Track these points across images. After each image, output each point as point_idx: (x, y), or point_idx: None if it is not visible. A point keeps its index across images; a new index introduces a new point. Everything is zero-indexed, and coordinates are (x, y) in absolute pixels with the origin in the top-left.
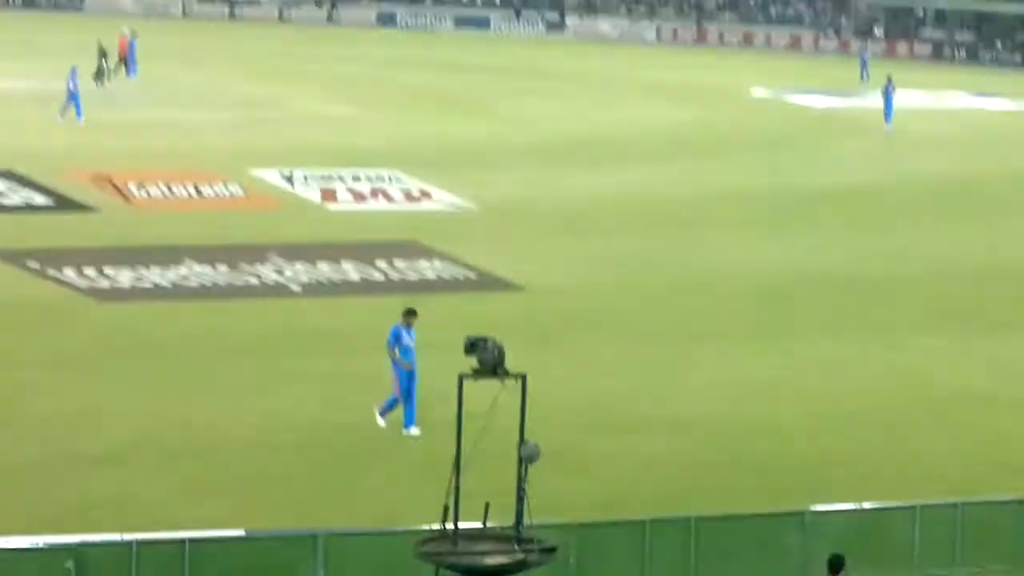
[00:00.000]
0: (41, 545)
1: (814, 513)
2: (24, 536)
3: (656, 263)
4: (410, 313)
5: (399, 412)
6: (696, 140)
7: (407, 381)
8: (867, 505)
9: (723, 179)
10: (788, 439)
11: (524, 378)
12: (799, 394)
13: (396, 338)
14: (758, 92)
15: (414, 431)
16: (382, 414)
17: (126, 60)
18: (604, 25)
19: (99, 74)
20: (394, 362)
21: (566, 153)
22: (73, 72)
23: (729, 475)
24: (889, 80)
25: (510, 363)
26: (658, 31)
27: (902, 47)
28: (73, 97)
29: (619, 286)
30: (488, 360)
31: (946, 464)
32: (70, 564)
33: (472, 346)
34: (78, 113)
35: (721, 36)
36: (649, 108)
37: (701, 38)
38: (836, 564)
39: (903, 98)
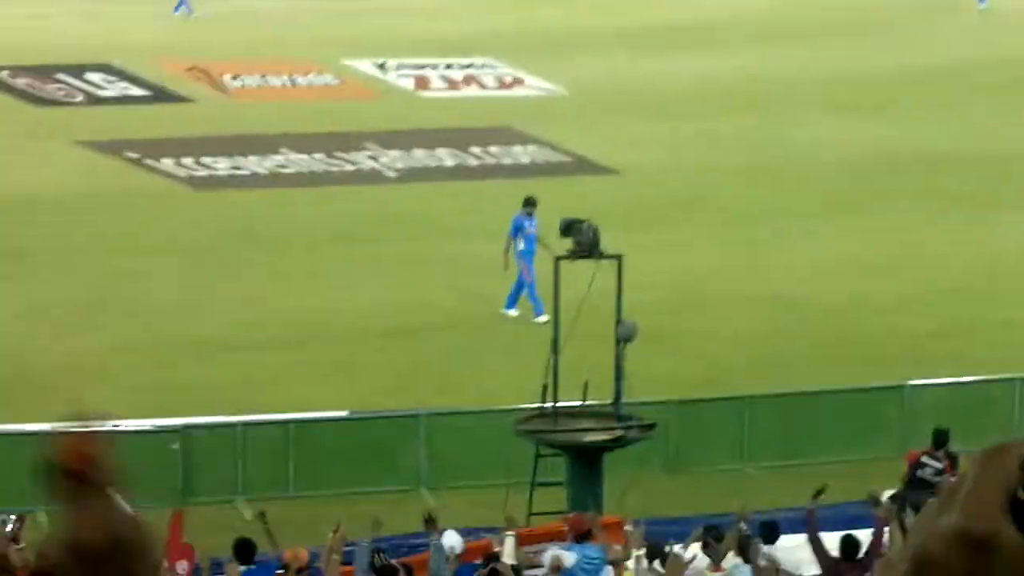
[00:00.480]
0: (148, 427)
1: (913, 387)
2: (132, 419)
3: (748, 144)
4: (530, 202)
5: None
6: (787, 22)
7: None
8: (966, 379)
9: (814, 61)
10: (883, 314)
11: (620, 259)
12: (892, 270)
13: (518, 228)
14: None
15: (543, 318)
16: (510, 305)
17: None
18: None
19: None
20: (519, 251)
21: (658, 38)
22: None
23: (825, 351)
24: None
25: (608, 245)
26: None
27: None
28: None
29: (712, 167)
30: (584, 241)
31: None
32: (176, 445)
33: (568, 228)
34: (187, 6)
35: None
36: None
37: None
38: (940, 438)
39: None
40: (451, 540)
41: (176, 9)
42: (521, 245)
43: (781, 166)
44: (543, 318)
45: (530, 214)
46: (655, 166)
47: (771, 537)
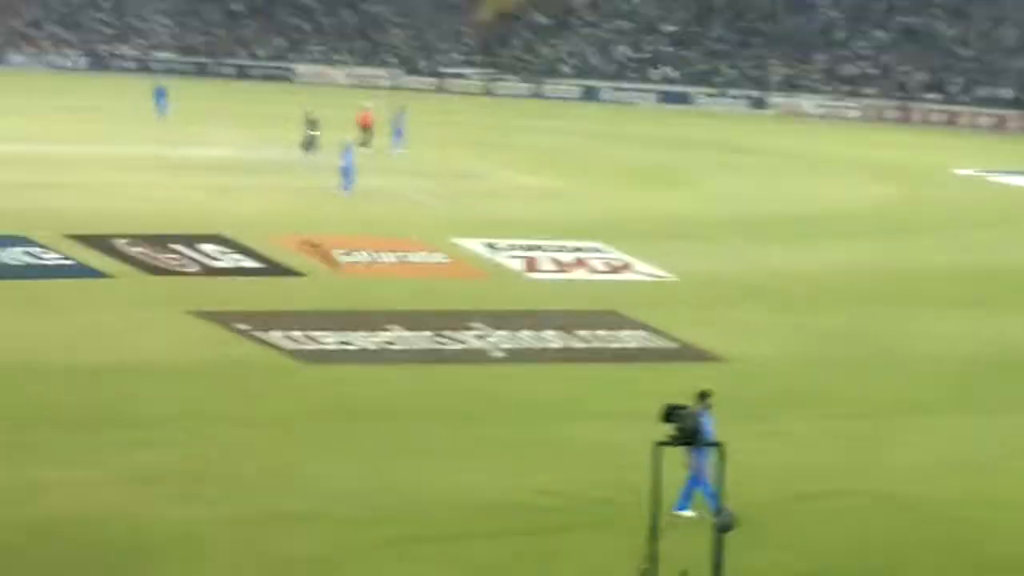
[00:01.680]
0: None
1: None
2: None
3: (858, 338)
4: (705, 395)
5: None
6: (898, 218)
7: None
8: None
9: (926, 256)
10: (998, 517)
11: (722, 447)
12: (1008, 472)
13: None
14: (962, 171)
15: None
16: (682, 507)
17: (369, 131)
18: (807, 103)
19: (307, 144)
20: (697, 449)
21: (768, 228)
22: (347, 148)
23: (936, 553)
24: None
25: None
26: (862, 109)
27: None
28: (345, 171)
29: (821, 360)
30: (685, 428)
31: None
32: None
33: (669, 414)
34: (346, 186)
35: (925, 115)
36: (852, 185)
37: (905, 117)
38: None
39: None
40: None
41: (344, 189)
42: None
43: (892, 361)
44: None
45: (707, 407)
46: (763, 356)
47: None
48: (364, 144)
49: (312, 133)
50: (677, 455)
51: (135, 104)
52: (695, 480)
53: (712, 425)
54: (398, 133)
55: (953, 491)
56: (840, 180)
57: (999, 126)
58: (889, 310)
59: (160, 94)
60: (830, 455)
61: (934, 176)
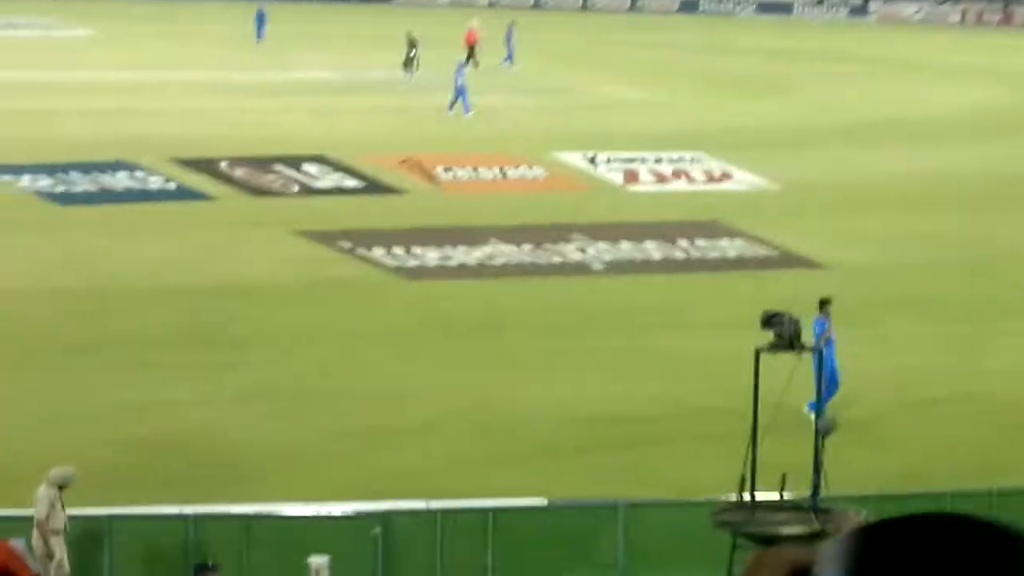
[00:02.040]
0: (351, 512)
1: None
2: (335, 503)
3: (959, 242)
4: (826, 303)
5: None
6: (1001, 121)
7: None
8: None
9: None
10: None
11: (821, 352)
12: None
13: (820, 331)
14: None
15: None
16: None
17: (473, 50)
18: (907, 8)
19: (407, 64)
20: (825, 355)
21: (869, 134)
22: (460, 68)
23: None
24: None
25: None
26: (963, 14)
27: None
28: (460, 92)
29: (922, 265)
30: (785, 334)
31: None
32: (377, 530)
33: (769, 320)
34: (465, 107)
35: None
36: (953, 90)
37: (1007, 20)
38: None
39: None
40: None
41: (451, 109)
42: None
43: (993, 265)
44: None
45: (828, 315)
46: (865, 262)
47: None
48: (470, 61)
49: (413, 52)
50: (779, 361)
51: (236, 28)
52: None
53: (832, 332)
54: (509, 50)
55: None
56: (941, 85)
57: None
58: (990, 214)
59: (260, 18)
60: (931, 358)
61: None
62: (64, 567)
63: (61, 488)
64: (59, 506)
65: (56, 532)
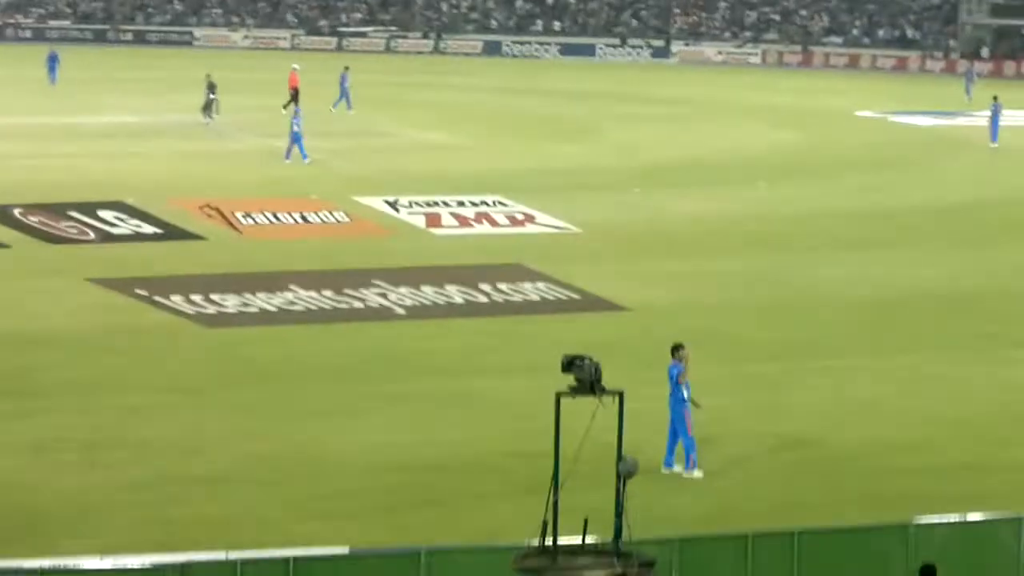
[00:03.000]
0: (148, 565)
1: (918, 526)
2: (132, 555)
3: (759, 283)
4: (677, 348)
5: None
6: (801, 162)
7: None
8: (972, 517)
9: (828, 199)
10: (893, 454)
11: (621, 395)
12: (904, 410)
13: (674, 377)
14: (863, 113)
15: (696, 473)
16: (691, 464)
17: (296, 94)
18: (709, 50)
19: (207, 107)
20: (680, 400)
21: (670, 176)
22: (295, 115)
23: (833, 490)
24: (995, 99)
25: (615, 382)
26: (763, 55)
27: (1009, 67)
28: (296, 138)
29: (722, 306)
30: (585, 377)
31: None
32: None
33: (569, 364)
34: (302, 153)
35: (827, 59)
36: (754, 131)
37: (806, 62)
38: (927, 574)
39: (1009, 118)
40: None
41: (287, 156)
42: (683, 394)
43: (792, 304)
44: (696, 473)
45: (681, 359)
46: (666, 303)
47: None
48: (292, 105)
49: (212, 96)
50: (578, 405)
51: (27, 71)
52: (674, 433)
53: (683, 377)
54: (344, 93)
55: (851, 432)
56: (741, 126)
57: (900, 67)
58: (790, 255)
59: (52, 60)
60: (732, 398)
61: (836, 119)
62: None
63: None
64: None
65: None
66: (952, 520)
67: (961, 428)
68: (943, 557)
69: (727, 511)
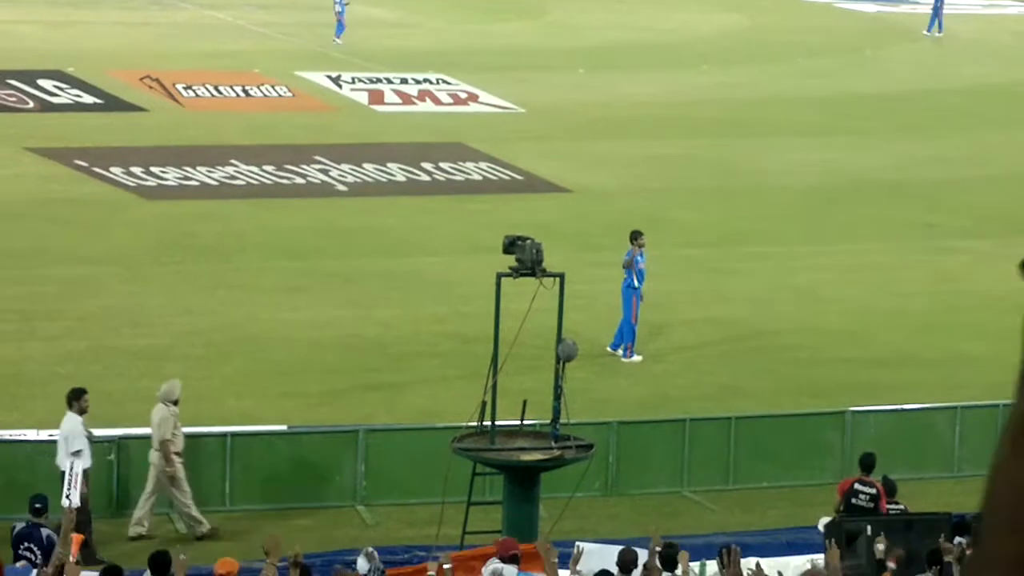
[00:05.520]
0: None
1: (854, 413)
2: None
3: (702, 167)
4: (638, 235)
5: None
6: (744, 46)
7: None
8: (908, 406)
9: (772, 85)
10: (831, 341)
11: (562, 277)
12: (842, 297)
13: (630, 263)
14: None
15: (636, 358)
16: (628, 352)
17: None
18: None
19: None
20: (629, 286)
21: (613, 57)
22: None
23: (771, 376)
24: None
25: (555, 264)
26: None
27: None
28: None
29: (665, 190)
30: (526, 259)
31: (989, 367)
32: (112, 456)
33: (511, 245)
34: (337, 32)
35: None
36: (699, 13)
37: None
38: (867, 463)
39: (952, 6)
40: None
41: (338, 37)
42: (635, 282)
43: (735, 189)
44: (636, 358)
45: (641, 247)
46: (608, 186)
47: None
48: None
49: None
50: (519, 286)
51: None
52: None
53: (643, 264)
54: None
55: (785, 319)
56: (687, 8)
57: None
58: (732, 139)
59: None
60: (670, 283)
61: (781, 3)
62: (186, 487)
63: (175, 404)
64: (178, 425)
65: (178, 453)
66: (888, 408)
67: (898, 318)
68: (879, 445)
69: (665, 396)
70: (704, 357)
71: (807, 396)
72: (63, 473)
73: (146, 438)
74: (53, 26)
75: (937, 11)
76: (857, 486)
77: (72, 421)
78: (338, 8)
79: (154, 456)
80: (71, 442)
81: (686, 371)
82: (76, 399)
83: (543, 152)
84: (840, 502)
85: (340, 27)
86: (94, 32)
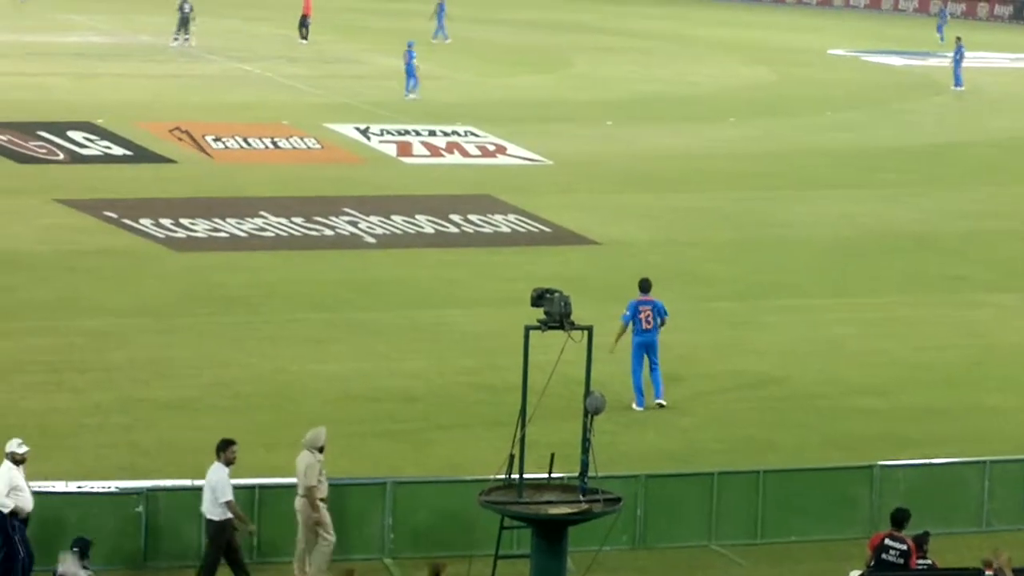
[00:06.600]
0: (113, 489)
1: (883, 468)
2: (96, 480)
3: (729, 219)
4: (646, 285)
5: None
6: (771, 99)
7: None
8: (936, 460)
9: (797, 137)
10: (858, 396)
11: (590, 330)
12: (870, 351)
13: (634, 312)
14: (835, 52)
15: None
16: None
17: (306, 20)
18: None
19: (179, 29)
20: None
21: (642, 110)
22: (409, 49)
23: (799, 431)
24: (959, 41)
25: (583, 316)
26: None
27: (982, 8)
28: (410, 71)
29: (692, 242)
30: (554, 311)
31: (1017, 421)
32: (140, 508)
33: (539, 298)
34: (407, 88)
35: None
36: (725, 67)
37: None
38: (899, 518)
39: (979, 59)
40: None
41: (409, 91)
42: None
43: (762, 242)
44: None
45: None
46: (636, 238)
47: None
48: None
49: (186, 16)
50: (548, 338)
51: None
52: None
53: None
54: (440, 24)
55: (811, 372)
56: (714, 62)
57: (873, 5)
58: (759, 191)
59: None
60: (699, 336)
61: (808, 57)
62: (332, 533)
63: (320, 450)
64: (323, 471)
65: (323, 499)
66: (917, 463)
67: (924, 371)
68: (907, 500)
69: (692, 449)
70: (731, 410)
71: (834, 449)
72: (208, 520)
73: (175, 490)
74: (82, 78)
75: (957, 66)
76: (888, 541)
77: (219, 472)
78: (408, 60)
79: (299, 503)
80: (218, 492)
81: (713, 424)
82: (223, 450)
83: (571, 204)
84: (871, 557)
85: (415, 81)
86: (123, 84)
